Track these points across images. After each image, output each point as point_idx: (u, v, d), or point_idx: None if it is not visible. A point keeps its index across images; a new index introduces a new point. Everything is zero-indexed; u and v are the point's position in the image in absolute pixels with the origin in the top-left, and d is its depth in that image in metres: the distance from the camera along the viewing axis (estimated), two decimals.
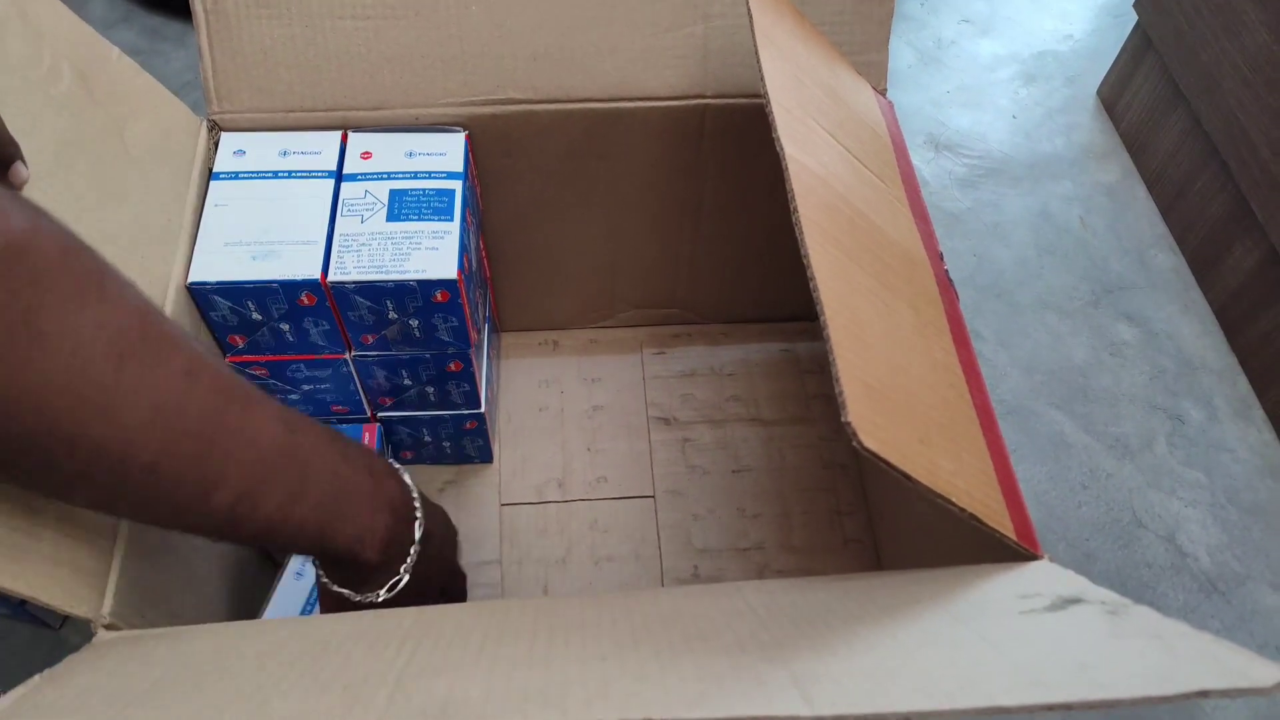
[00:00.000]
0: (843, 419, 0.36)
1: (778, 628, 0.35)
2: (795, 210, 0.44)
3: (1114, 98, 1.12)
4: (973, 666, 0.31)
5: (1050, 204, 1.05)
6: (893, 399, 0.41)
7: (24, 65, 0.51)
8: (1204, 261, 0.97)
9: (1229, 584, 0.79)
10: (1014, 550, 0.44)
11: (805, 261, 0.42)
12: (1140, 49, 1.05)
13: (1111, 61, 1.12)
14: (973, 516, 0.41)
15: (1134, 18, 1.05)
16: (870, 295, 0.46)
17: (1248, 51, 0.86)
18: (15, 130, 0.47)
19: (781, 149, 0.47)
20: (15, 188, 0.47)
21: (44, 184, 0.50)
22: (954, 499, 0.40)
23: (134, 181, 0.57)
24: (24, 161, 0.47)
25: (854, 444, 0.35)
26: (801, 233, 0.43)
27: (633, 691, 0.28)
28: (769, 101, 0.49)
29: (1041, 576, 0.42)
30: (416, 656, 0.33)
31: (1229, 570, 0.80)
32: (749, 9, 0.55)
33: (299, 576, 0.64)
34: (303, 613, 0.63)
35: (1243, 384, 0.91)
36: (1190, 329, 0.95)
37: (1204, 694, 0.28)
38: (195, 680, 0.35)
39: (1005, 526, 0.44)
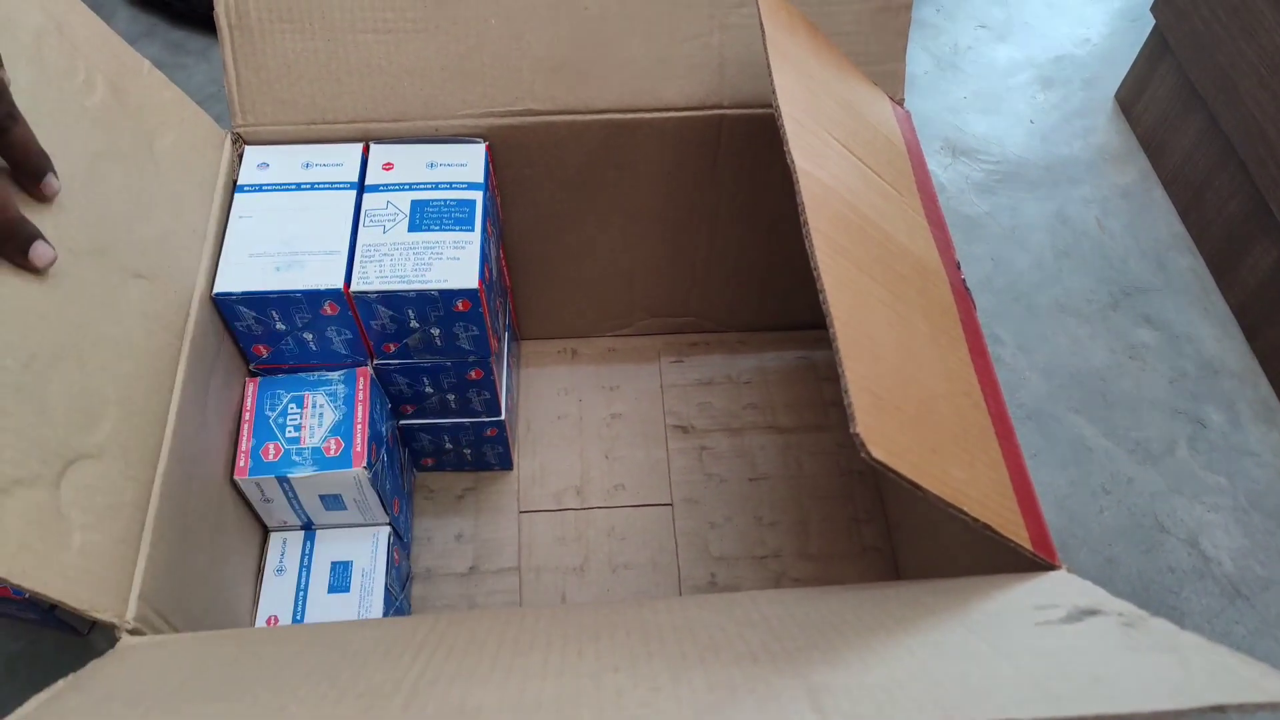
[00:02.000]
0: (851, 430, 0.36)
1: (790, 639, 0.35)
2: (805, 223, 0.44)
3: (1131, 100, 1.12)
4: (986, 679, 0.31)
5: (1068, 207, 1.05)
6: (903, 409, 0.41)
7: (60, 77, 0.52)
8: (1223, 263, 0.97)
9: (1253, 589, 0.78)
10: (1031, 560, 0.44)
11: (815, 274, 0.42)
12: (1157, 51, 1.05)
13: (1129, 65, 1.11)
14: (986, 526, 0.41)
15: (1151, 21, 1.05)
16: (882, 306, 0.46)
17: (1265, 52, 0.86)
18: (51, 140, 0.48)
19: (792, 161, 0.47)
20: (47, 200, 0.48)
21: (77, 195, 0.50)
22: (966, 509, 0.40)
23: (162, 193, 0.58)
24: (55, 174, 0.48)
25: (862, 454, 0.36)
26: (812, 245, 0.43)
27: (645, 702, 0.29)
28: (780, 114, 0.50)
29: (1058, 587, 0.42)
30: (431, 665, 0.34)
31: (1253, 575, 0.79)
32: (761, 23, 0.56)
33: (280, 573, 0.65)
34: (295, 606, 0.64)
35: (1264, 386, 0.90)
36: (1210, 331, 0.94)
37: (1220, 709, 0.28)
38: (216, 685, 0.36)
39: (1021, 536, 0.44)
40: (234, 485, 0.63)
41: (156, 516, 0.51)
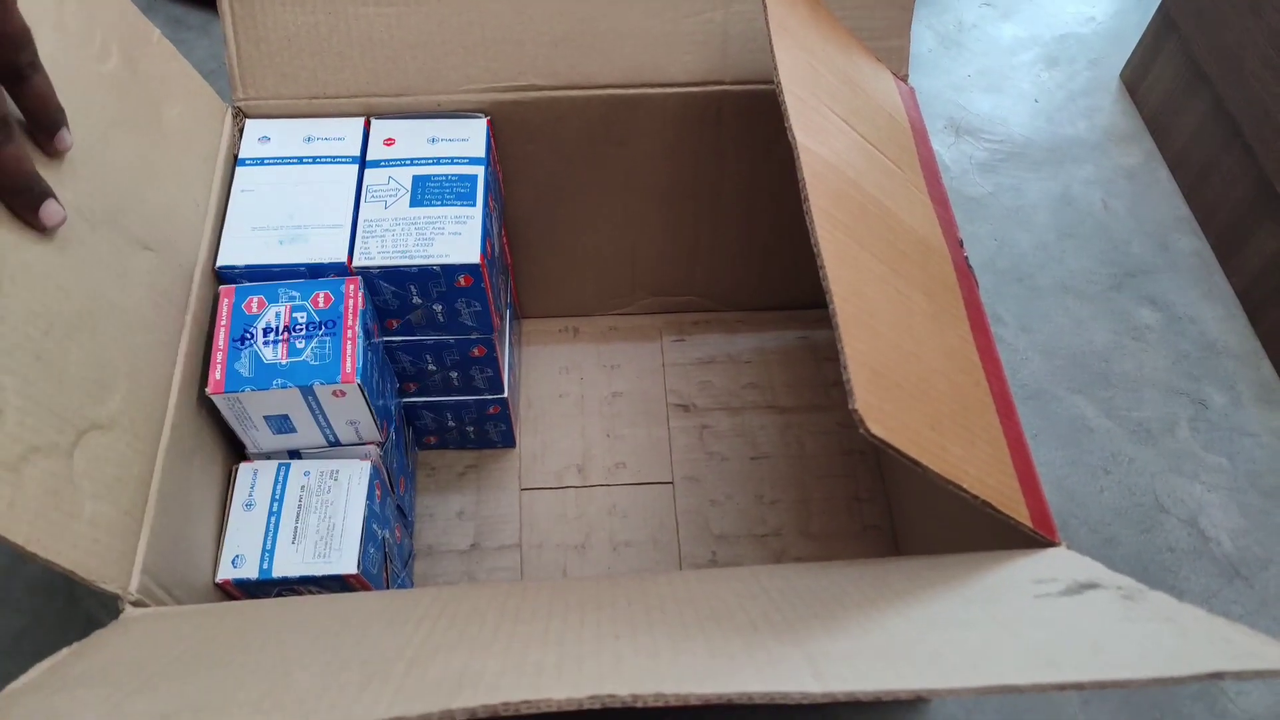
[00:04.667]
0: (850, 406, 0.36)
1: (791, 609, 0.35)
2: (806, 199, 0.44)
3: (1136, 80, 1.11)
4: (985, 647, 0.31)
5: (1072, 188, 1.04)
6: (903, 386, 0.41)
7: (79, 43, 0.52)
8: (1227, 245, 0.96)
9: (1251, 568, 0.79)
10: (1030, 537, 0.44)
11: (815, 250, 0.42)
12: (1163, 31, 1.04)
13: (1134, 44, 1.11)
14: (985, 503, 0.41)
15: None
16: (882, 282, 0.46)
17: (1273, 31, 0.85)
18: (68, 106, 0.48)
19: (793, 137, 0.47)
20: (59, 154, 0.47)
21: (91, 161, 0.51)
22: (965, 485, 0.40)
23: (168, 165, 0.58)
24: (68, 129, 0.47)
25: (861, 431, 0.36)
26: (812, 221, 0.43)
27: (645, 668, 0.29)
28: (781, 90, 0.49)
29: (1057, 562, 0.43)
30: (434, 634, 0.34)
31: (1251, 555, 0.79)
32: None
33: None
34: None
35: (1266, 368, 0.90)
36: (1213, 313, 0.94)
37: (1217, 676, 0.28)
38: (219, 654, 0.36)
39: (1020, 513, 0.44)
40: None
41: (160, 490, 0.51)
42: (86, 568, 0.44)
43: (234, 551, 0.59)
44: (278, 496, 0.61)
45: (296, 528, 0.59)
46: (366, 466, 0.62)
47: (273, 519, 0.60)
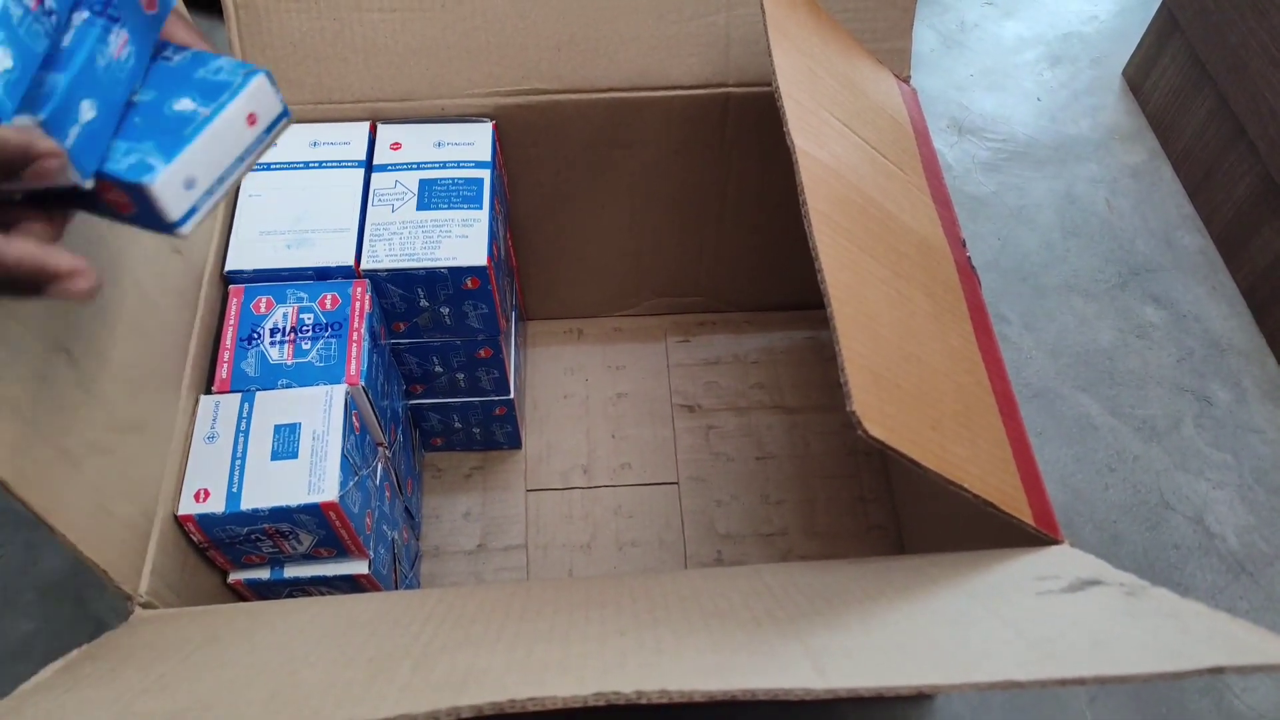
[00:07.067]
0: (848, 408, 0.36)
1: (794, 606, 0.36)
2: (804, 203, 0.44)
3: (1140, 78, 1.11)
4: (986, 642, 0.31)
5: (1075, 186, 1.04)
6: (902, 387, 0.41)
7: None
8: (1231, 242, 0.96)
9: (1257, 565, 0.79)
10: (1034, 535, 0.45)
11: (814, 254, 0.43)
12: (1166, 29, 1.04)
13: (1137, 42, 1.11)
14: (986, 503, 0.41)
15: None
16: (882, 285, 0.46)
17: (1276, 30, 0.85)
18: None
19: (792, 142, 0.47)
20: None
21: None
22: (967, 485, 0.40)
23: None
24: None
25: (859, 432, 0.36)
26: (810, 225, 0.43)
27: (650, 664, 0.29)
28: (780, 94, 0.50)
29: (1060, 560, 0.43)
30: (440, 633, 0.34)
31: (1257, 551, 0.79)
32: (761, 2, 0.56)
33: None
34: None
35: (1271, 365, 0.90)
36: (1218, 310, 0.94)
37: (1218, 670, 0.28)
38: (228, 653, 0.36)
39: (1023, 512, 0.44)
40: None
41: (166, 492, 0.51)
42: (117, 568, 0.44)
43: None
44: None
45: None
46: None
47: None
